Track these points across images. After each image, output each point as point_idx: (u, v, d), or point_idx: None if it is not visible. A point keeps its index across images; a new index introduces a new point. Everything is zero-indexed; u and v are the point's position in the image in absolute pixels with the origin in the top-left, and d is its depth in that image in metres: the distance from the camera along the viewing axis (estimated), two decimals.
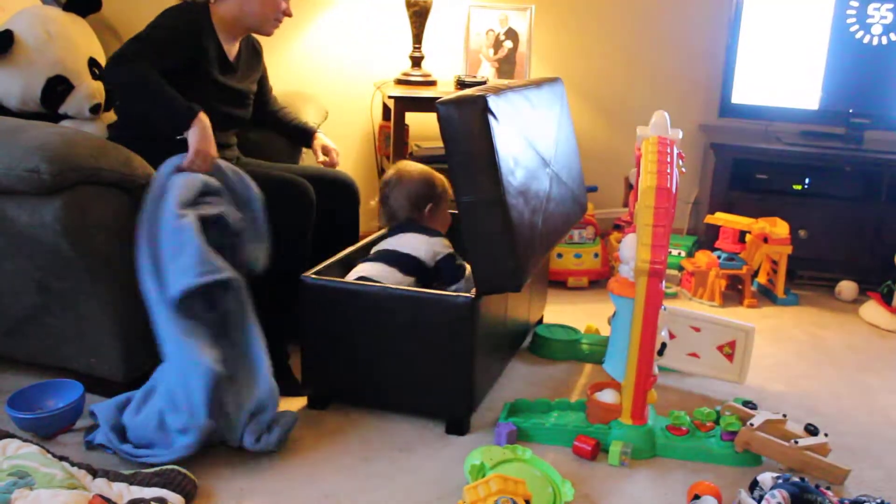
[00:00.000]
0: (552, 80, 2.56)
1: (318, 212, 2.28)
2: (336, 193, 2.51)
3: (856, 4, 3.27)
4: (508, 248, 1.94)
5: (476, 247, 1.95)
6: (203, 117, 2.09)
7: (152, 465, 1.80)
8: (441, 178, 2.41)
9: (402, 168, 2.42)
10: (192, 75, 2.21)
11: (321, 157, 2.61)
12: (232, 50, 2.37)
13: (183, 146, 2.09)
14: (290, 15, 2.39)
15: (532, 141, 2.18)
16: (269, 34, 2.41)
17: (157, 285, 1.91)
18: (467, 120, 1.92)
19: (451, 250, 2.29)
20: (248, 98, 2.47)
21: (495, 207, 1.92)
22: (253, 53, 2.51)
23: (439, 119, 1.94)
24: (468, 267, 2.17)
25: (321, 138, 2.66)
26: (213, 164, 2.10)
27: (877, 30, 3.28)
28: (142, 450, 1.86)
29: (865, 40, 3.30)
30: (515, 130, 2.08)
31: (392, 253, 2.26)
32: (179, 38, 2.19)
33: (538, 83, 2.41)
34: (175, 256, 1.91)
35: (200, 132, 2.07)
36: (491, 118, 1.93)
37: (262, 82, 2.59)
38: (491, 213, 1.93)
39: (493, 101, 1.95)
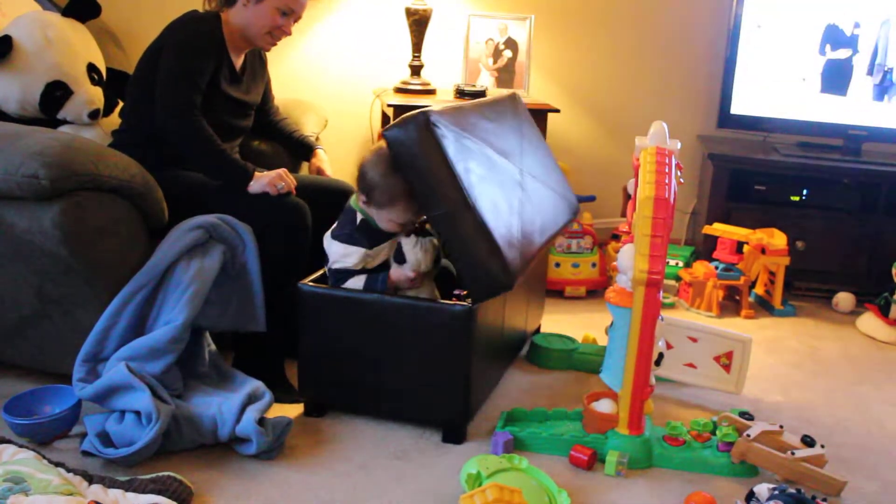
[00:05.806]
0: (508, 96, 2.61)
1: (316, 219, 2.28)
2: (335, 202, 2.50)
3: (853, 16, 3.29)
4: (489, 249, 1.94)
5: (458, 255, 1.96)
6: (257, 175, 2.21)
7: (147, 471, 1.80)
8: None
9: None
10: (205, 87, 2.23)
11: (314, 174, 2.64)
12: (238, 61, 2.38)
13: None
14: (287, 34, 2.39)
15: (493, 146, 2.20)
16: (265, 49, 2.43)
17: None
18: (414, 137, 1.93)
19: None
20: (251, 108, 2.49)
21: (464, 213, 1.93)
22: (259, 64, 2.52)
23: (389, 145, 1.96)
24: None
25: (319, 160, 2.66)
26: (290, 181, 2.24)
27: (873, 44, 3.29)
28: (123, 448, 1.87)
29: (863, 53, 3.31)
30: (470, 139, 2.09)
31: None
32: (208, 62, 2.23)
33: (491, 100, 2.48)
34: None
35: (262, 183, 2.20)
36: (437, 130, 1.95)
37: (265, 92, 2.60)
38: (462, 220, 1.93)
39: (435, 116, 1.98)
